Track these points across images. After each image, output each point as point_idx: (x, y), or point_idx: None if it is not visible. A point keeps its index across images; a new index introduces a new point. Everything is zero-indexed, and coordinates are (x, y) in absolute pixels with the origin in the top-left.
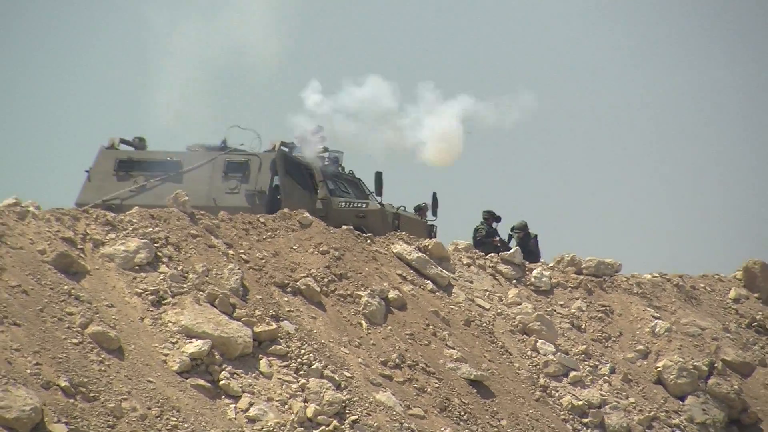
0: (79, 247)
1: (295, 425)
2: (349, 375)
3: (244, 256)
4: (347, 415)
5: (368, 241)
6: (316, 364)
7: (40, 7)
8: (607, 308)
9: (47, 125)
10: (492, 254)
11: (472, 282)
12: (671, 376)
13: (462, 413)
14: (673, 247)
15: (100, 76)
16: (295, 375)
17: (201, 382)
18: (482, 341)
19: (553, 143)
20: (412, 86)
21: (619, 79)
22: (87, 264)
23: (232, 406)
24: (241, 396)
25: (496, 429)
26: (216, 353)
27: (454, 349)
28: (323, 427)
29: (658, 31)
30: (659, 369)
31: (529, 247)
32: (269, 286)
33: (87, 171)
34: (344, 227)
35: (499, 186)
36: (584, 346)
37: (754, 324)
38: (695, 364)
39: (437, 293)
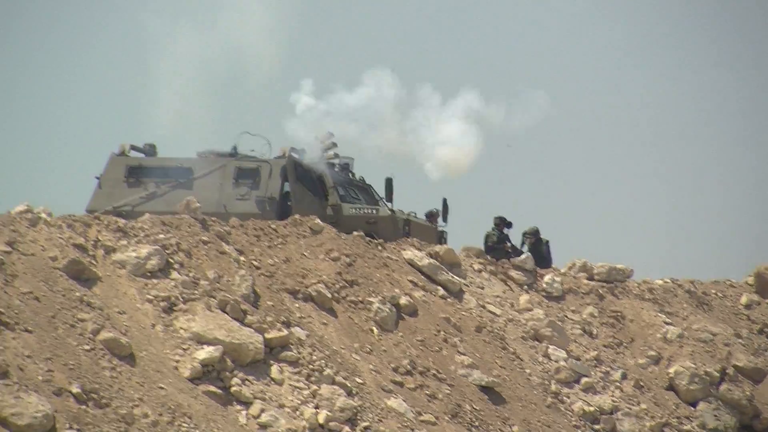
0: (91, 253)
1: (307, 431)
2: (360, 381)
3: (255, 263)
4: (359, 422)
5: (379, 247)
6: (327, 371)
7: (44, 13)
8: (619, 314)
9: (53, 131)
10: (503, 260)
11: (483, 288)
12: (683, 382)
13: (473, 419)
14: (685, 253)
15: (102, 81)
16: (306, 381)
17: (212, 388)
18: (493, 347)
19: (564, 147)
20: (414, 88)
21: (633, 82)
22: (98, 270)
23: (244, 412)
24: (252, 402)
25: None
26: (227, 359)
27: (465, 355)
28: None
29: (678, 31)
30: (671, 375)
31: (541, 253)
32: (280, 292)
33: (97, 178)
34: (355, 233)
35: (509, 191)
36: (596, 352)
37: (766, 329)
38: (707, 370)
39: (448, 299)
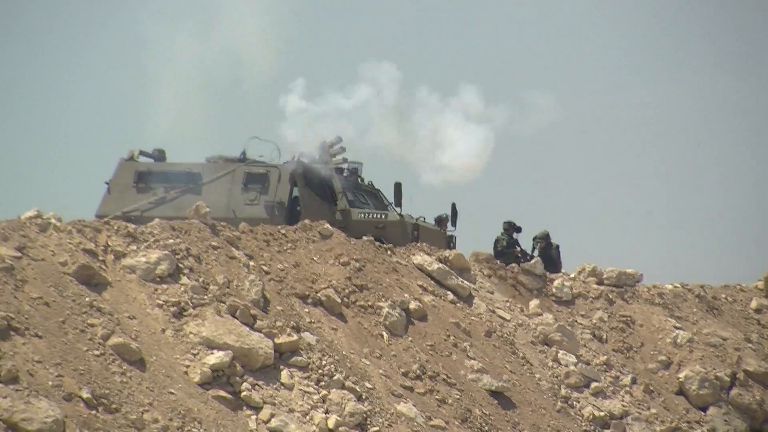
0: (101, 258)
1: None
2: (370, 386)
3: (264, 268)
4: (368, 426)
5: (389, 252)
6: (337, 375)
7: (45, 17)
8: (629, 318)
9: (61, 137)
10: (513, 265)
11: (492, 293)
12: (693, 387)
13: (483, 424)
14: (695, 258)
15: (107, 86)
16: (316, 386)
17: (222, 393)
18: (503, 352)
19: (573, 151)
20: (414, 89)
21: (642, 84)
22: (108, 276)
23: (254, 417)
24: (262, 407)
25: None
26: (237, 364)
27: (475, 360)
28: None
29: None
30: (681, 379)
31: (551, 257)
32: (290, 297)
33: (107, 183)
34: (365, 238)
35: (519, 196)
36: (605, 357)
37: None
38: (717, 374)
39: (458, 304)
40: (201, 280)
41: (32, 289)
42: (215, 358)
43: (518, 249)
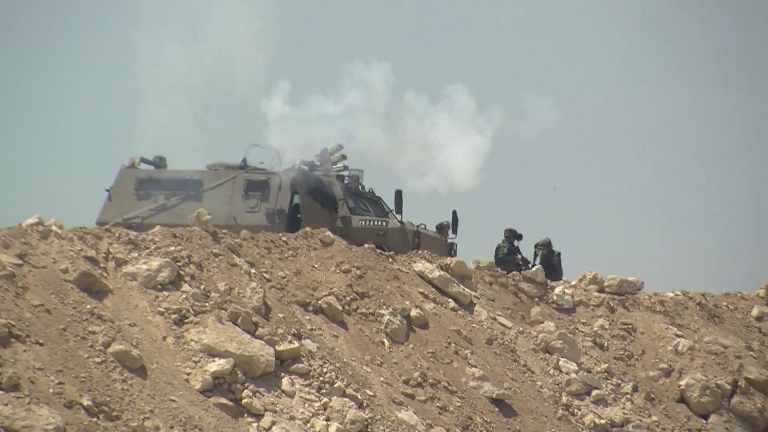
0: (102, 266)
1: None
2: (371, 393)
3: (266, 275)
4: None
5: (390, 259)
6: (338, 383)
7: (42, 20)
8: (630, 326)
9: (60, 144)
10: (514, 272)
11: (494, 300)
12: (694, 395)
13: None
14: (696, 266)
15: (102, 93)
16: (317, 393)
17: (223, 400)
18: (504, 359)
19: (572, 158)
20: (403, 95)
21: (644, 88)
22: (109, 283)
23: (255, 424)
24: (263, 414)
25: None
26: (238, 372)
27: (476, 367)
28: None
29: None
30: (682, 387)
31: (553, 264)
32: (291, 304)
33: (107, 190)
34: (366, 245)
35: (519, 203)
36: (607, 365)
37: None
38: (718, 382)
39: (459, 311)
40: (202, 287)
41: (33, 296)
42: (216, 365)
43: (519, 256)
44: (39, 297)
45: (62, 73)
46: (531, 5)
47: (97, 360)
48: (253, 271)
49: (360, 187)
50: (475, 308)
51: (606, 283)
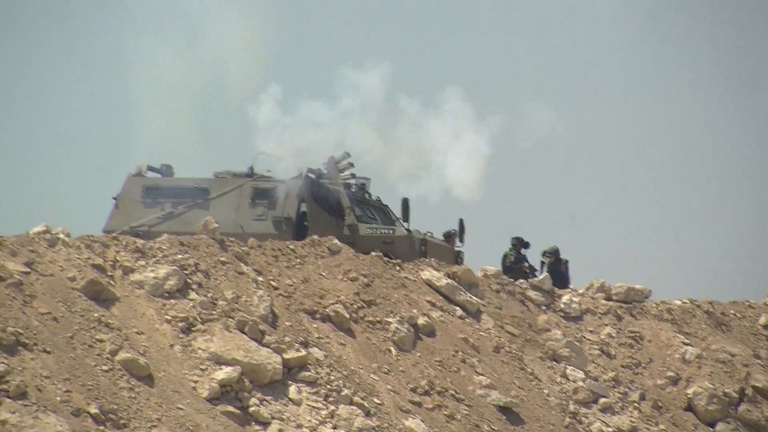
0: (109, 274)
1: None
2: (378, 402)
3: (273, 283)
4: None
5: (397, 267)
6: (345, 391)
7: (42, 22)
8: (637, 334)
9: (65, 152)
10: (521, 280)
11: (501, 308)
12: (701, 403)
13: None
14: (703, 274)
15: (108, 101)
16: (324, 402)
17: (230, 408)
18: (512, 368)
19: (581, 166)
20: (398, 100)
21: (650, 96)
22: (117, 291)
23: None
24: (270, 423)
25: None
26: (245, 380)
27: (483, 375)
28: None
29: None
30: (689, 396)
31: (560, 272)
32: (298, 312)
33: (114, 198)
34: (373, 253)
35: (525, 211)
36: (614, 373)
37: None
38: (726, 390)
39: (466, 319)
40: (209, 295)
41: (41, 304)
42: (223, 373)
43: (526, 264)
44: (46, 305)
45: (59, 76)
46: (531, 7)
47: (105, 368)
48: (260, 279)
49: (367, 195)
50: (483, 316)
51: (613, 292)
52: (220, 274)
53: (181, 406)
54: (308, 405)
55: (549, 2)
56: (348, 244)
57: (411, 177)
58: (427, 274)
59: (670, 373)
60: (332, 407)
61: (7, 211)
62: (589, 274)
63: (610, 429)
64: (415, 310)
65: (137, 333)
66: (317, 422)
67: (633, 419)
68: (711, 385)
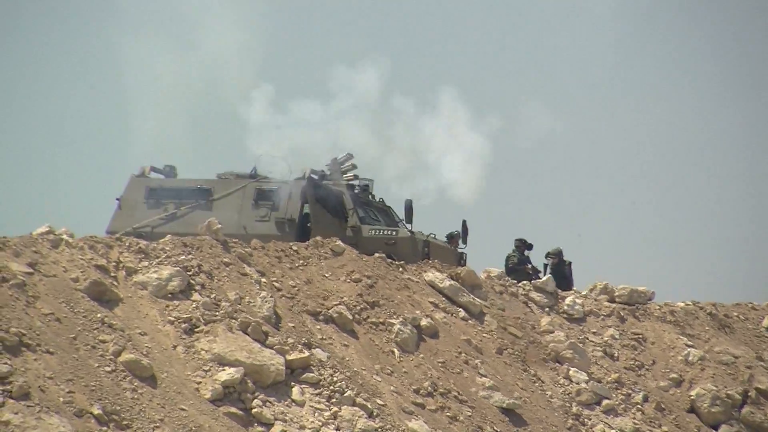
0: (112, 275)
1: None
2: (381, 403)
3: (276, 284)
4: None
5: (400, 269)
6: (348, 392)
7: (42, 24)
8: (640, 336)
9: (68, 153)
10: (524, 282)
11: (504, 310)
12: (704, 405)
13: None
14: (706, 276)
15: (87, 101)
16: (327, 403)
17: (233, 409)
18: (514, 369)
19: (583, 168)
20: (393, 100)
21: (650, 96)
22: (120, 292)
23: None
24: (273, 424)
25: None
26: (248, 381)
27: (486, 377)
28: None
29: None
30: (692, 397)
31: (564, 274)
32: (302, 314)
33: (118, 199)
34: (376, 255)
35: (527, 212)
36: (617, 375)
37: None
38: (729, 392)
39: (469, 321)
40: (213, 296)
41: (44, 305)
42: (226, 374)
43: (529, 266)
44: (49, 306)
45: (58, 77)
46: (528, 7)
47: (108, 369)
48: (263, 280)
49: (370, 196)
50: (486, 318)
51: (616, 293)
52: (223, 275)
53: (184, 407)
54: (311, 406)
55: (547, 2)
56: (351, 245)
57: (405, 177)
58: (430, 275)
59: (673, 375)
60: (335, 408)
61: (10, 212)
62: (592, 276)
63: (613, 430)
64: (418, 312)
65: (140, 334)
66: (320, 423)
67: (636, 421)
68: (714, 387)
